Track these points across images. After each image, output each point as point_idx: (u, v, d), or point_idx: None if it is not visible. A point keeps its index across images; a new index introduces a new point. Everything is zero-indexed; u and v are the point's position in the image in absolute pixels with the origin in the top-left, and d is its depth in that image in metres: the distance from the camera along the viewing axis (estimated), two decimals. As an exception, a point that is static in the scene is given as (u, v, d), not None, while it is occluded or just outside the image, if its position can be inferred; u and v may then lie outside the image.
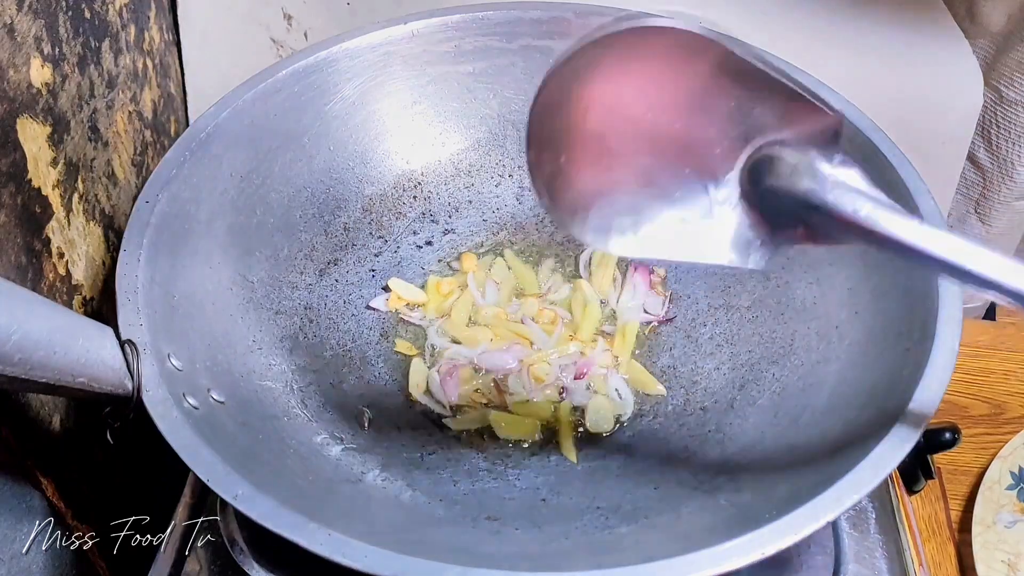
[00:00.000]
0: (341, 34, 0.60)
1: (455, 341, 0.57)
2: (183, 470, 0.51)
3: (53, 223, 0.44)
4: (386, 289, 0.59)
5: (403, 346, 0.56)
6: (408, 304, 0.59)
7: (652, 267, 0.60)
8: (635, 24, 0.29)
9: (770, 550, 0.35)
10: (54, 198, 0.44)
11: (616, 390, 0.54)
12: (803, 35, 0.66)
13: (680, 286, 0.59)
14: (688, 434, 0.51)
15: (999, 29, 0.70)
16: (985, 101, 0.69)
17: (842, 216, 0.30)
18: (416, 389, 0.54)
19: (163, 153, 0.52)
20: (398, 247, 0.61)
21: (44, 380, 0.35)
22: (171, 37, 0.61)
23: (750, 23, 0.64)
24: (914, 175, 0.50)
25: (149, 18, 0.58)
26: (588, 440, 0.52)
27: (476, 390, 0.54)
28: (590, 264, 0.61)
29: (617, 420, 0.53)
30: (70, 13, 0.46)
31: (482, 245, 0.62)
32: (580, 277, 0.60)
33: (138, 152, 0.55)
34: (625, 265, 0.61)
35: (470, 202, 0.64)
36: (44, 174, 0.43)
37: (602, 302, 0.59)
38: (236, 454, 0.39)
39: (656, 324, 0.58)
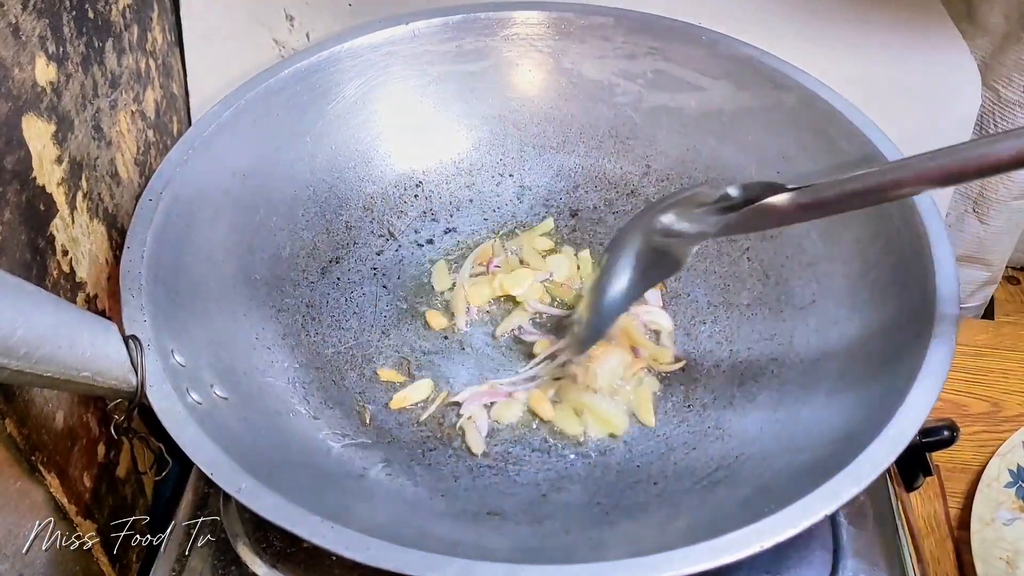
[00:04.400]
0: (343, 34, 0.60)
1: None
2: (184, 469, 0.51)
3: (57, 221, 0.44)
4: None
5: (388, 375, 0.55)
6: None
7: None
8: None
9: (768, 543, 0.36)
10: (58, 196, 0.44)
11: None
12: (803, 36, 0.66)
13: (679, 284, 0.60)
14: (688, 430, 0.51)
15: (997, 29, 0.70)
16: (983, 101, 0.69)
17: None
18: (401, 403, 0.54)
19: (165, 153, 0.52)
20: (399, 245, 0.61)
21: (49, 374, 0.35)
22: (173, 38, 0.62)
23: (750, 24, 0.64)
24: (912, 173, 0.50)
25: (152, 19, 0.58)
26: (588, 437, 0.52)
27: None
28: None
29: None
30: (74, 13, 0.47)
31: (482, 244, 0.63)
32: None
33: (141, 152, 0.55)
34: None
35: (471, 201, 0.64)
36: (48, 172, 0.43)
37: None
38: (239, 449, 0.40)
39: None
